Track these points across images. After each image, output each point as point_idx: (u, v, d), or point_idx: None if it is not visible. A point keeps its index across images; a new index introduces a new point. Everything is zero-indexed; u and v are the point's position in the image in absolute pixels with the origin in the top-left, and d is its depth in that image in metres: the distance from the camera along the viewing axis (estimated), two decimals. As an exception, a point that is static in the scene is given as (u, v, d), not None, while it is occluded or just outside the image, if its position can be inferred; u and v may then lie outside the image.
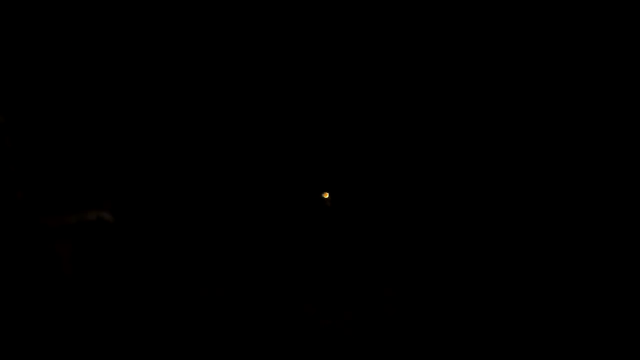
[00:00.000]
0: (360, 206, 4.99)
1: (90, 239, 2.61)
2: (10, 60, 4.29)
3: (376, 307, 2.24)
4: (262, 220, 4.58)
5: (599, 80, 4.64)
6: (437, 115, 5.20)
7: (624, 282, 2.54)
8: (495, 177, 4.93)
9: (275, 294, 2.51)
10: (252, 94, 5.25)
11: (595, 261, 2.94)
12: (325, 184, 5.20)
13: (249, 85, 5.21)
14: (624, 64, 4.53)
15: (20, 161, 2.30)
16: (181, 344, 1.89)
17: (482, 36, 4.95)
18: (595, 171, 4.55)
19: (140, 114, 4.87)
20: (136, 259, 3.28)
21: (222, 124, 5.18)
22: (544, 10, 4.74)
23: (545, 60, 4.85)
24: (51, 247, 2.34)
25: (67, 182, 4.35)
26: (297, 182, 5.23)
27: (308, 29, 5.13)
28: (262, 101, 5.25)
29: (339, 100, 5.31)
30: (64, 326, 2.10)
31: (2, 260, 2.73)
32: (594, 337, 1.93)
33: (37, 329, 2.08)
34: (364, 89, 5.28)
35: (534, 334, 1.94)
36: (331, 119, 5.32)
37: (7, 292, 2.56)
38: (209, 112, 5.14)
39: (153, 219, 4.44)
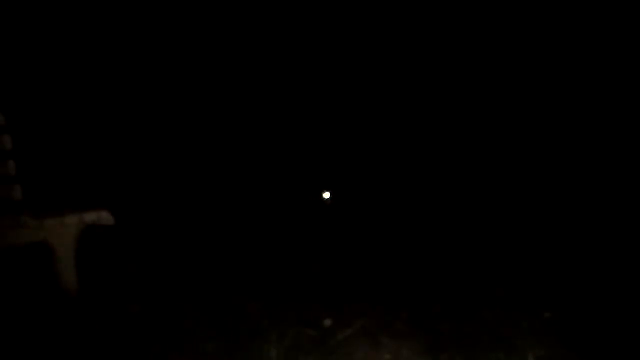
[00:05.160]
0: (360, 206, 4.99)
1: (90, 239, 2.61)
2: (10, 60, 4.28)
3: (384, 311, 2.24)
4: (262, 219, 4.58)
5: (599, 80, 4.64)
6: (437, 116, 5.20)
7: (624, 282, 2.54)
8: (495, 177, 4.93)
9: (278, 297, 2.50)
10: (252, 94, 5.24)
11: (595, 261, 2.94)
12: (325, 184, 5.20)
13: (249, 85, 5.21)
14: (624, 64, 4.53)
15: (20, 161, 2.30)
16: (183, 347, 1.89)
17: (482, 36, 4.94)
18: (595, 171, 4.55)
19: (139, 114, 4.86)
20: (137, 259, 3.28)
21: (222, 124, 5.17)
22: (544, 10, 4.73)
23: (545, 61, 4.84)
24: (51, 248, 2.34)
25: (67, 182, 4.34)
26: (297, 182, 5.23)
27: (308, 29, 5.13)
28: (262, 101, 5.25)
29: (339, 100, 5.30)
30: (65, 327, 2.10)
31: (2, 261, 2.73)
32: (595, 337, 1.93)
33: (37, 330, 2.08)
34: (364, 89, 5.28)
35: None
36: (331, 119, 5.32)
37: (7, 293, 2.56)
38: (209, 112, 5.13)
39: (154, 220, 4.44)
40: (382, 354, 1.81)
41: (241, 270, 2.94)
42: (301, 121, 5.30)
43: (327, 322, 2.09)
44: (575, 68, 4.71)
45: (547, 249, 3.25)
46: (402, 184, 5.19)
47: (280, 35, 5.12)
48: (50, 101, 4.47)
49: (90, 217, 2.36)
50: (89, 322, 2.11)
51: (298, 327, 2.03)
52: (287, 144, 5.32)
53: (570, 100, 4.77)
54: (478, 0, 4.87)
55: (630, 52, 4.47)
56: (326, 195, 5.07)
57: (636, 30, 4.42)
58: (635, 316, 2.11)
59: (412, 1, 4.99)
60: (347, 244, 3.61)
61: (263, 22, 5.07)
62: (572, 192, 4.55)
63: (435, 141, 5.23)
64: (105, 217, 2.40)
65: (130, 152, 4.82)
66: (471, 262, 3.04)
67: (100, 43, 4.68)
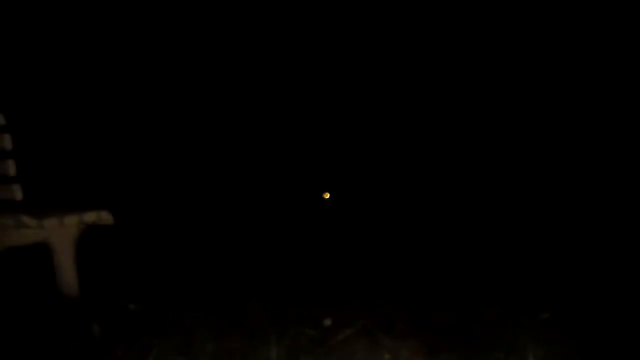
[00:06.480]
0: (361, 206, 4.99)
1: (90, 239, 2.61)
2: (10, 60, 4.29)
3: (386, 312, 2.24)
4: (263, 219, 4.59)
5: (599, 80, 4.64)
6: (437, 116, 5.20)
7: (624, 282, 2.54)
8: (495, 177, 4.93)
9: (278, 296, 2.50)
10: (253, 94, 5.25)
11: (595, 261, 2.94)
12: (326, 185, 5.20)
13: (249, 85, 5.21)
14: (624, 64, 4.53)
15: (20, 161, 2.30)
16: (184, 347, 1.89)
17: (482, 36, 4.94)
18: (595, 171, 4.55)
19: (140, 114, 4.87)
20: (137, 260, 3.28)
21: (223, 124, 5.17)
22: (544, 10, 4.73)
23: (545, 61, 4.84)
24: (51, 248, 2.34)
25: (67, 182, 4.35)
26: (298, 183, 5.23)
27: (308, 29, 5.13)
28: (262, 101, 5.25)
29: (339, 100, 5.31)
30: (65, 327, 2.10)
31: (2, 261, 2.73)
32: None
33: (38, 330, 2.08)
34: (363, 90, 5.28)
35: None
36: (331, 119, 5.32)
37: (7, 293, 2.57)
38: (209, 113, 5.13)
39: (153, 220, 4.44)
40: (382, 354, 1.81)
41: (241, 269, 2.94)
42: (302, 122, 5.30)
43: (327, 322, 2.09)
44: (576, 68, 4.71)
45: (547, 249, 3.25)
46: (403, 184, 5.19)
47: (281, 36, 5.12)
48: (50, 101, 4.47)
49: (90, 217, 2.36)
50: (89, 322, 2.11)
51: (298, 327, 2.03)
52: (288, 145, 5.32)
53: (569, 100, 4.77)
54: (478, 1, 4.87)
55: (630, 52, 4.47)
56: (327, 195, 5.07)
57: (636, 30, 4.42)
58: (635, 316, 2.11)
59: (412, 1, 4.99)
60: (348, 244, 3.61)
61: (263, 23, 5.07)
62: (571, 192, 4.56)
63: (435, 142, 5.23)
64: (105, 217, 2.40)
65: (130, 152, 4.82)
66: (471, 261, 3.04)
67: (100, 43, 4.68)
